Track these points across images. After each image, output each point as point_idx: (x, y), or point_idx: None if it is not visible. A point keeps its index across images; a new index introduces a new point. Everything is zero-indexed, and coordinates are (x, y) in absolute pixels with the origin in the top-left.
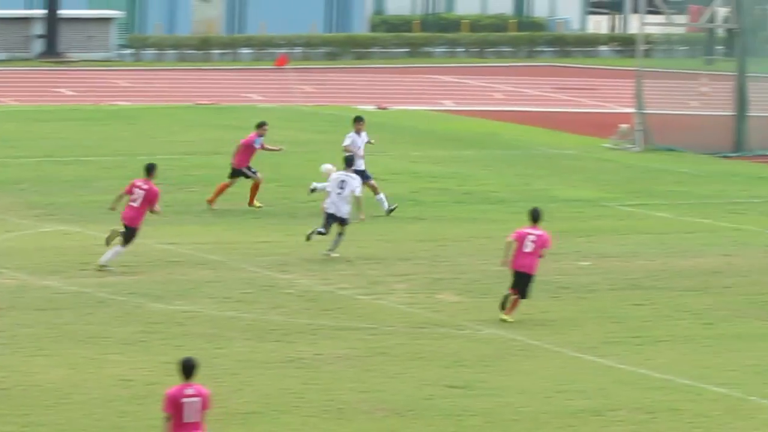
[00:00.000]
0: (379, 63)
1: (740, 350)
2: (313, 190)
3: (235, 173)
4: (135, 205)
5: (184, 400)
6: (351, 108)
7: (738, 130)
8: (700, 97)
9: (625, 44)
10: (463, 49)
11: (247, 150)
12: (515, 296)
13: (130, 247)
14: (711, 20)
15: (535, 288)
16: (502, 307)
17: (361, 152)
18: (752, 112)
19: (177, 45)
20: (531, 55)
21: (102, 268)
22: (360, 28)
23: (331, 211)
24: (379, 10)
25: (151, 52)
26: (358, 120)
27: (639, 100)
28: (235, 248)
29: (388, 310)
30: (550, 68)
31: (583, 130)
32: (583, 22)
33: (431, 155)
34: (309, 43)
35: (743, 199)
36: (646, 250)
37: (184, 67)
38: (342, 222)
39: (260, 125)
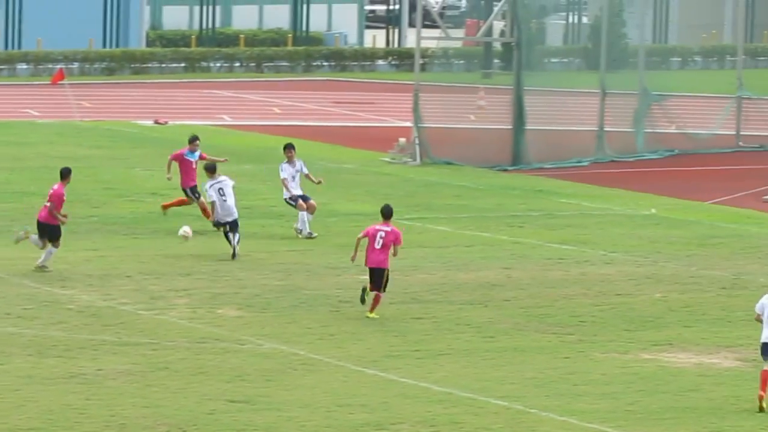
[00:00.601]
0: (157, 78)
1: (520, 363)
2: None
3: (189, 192)
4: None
5: None
6: (129, 123)
7: (515, 144)
8: (478, 110)
9: (402, 58)
10: (241, 64)
11: (183, 167)
12: (374, 292)
13: (60, 243)
14: (488, 34)
15: (315, 302)
16: (362, 301)
17: (295, 182)
18: (529, 125)
19: None
20: (308, 69)
21: (41, 270)
22: (137, 43)
23: (226, 220)
24: (155, 26)
25: None
26: (287, 148)
27: (416, 113)
28: (14, 264)
29: (169, 325)
30: (327, 82)
31: (362, 144)
32: (361, 36)
33: None
34: (86, 59)
35: (521, 212)
36: (426, 263)
37: None
38: (235, 223)
39: (192, 140)
